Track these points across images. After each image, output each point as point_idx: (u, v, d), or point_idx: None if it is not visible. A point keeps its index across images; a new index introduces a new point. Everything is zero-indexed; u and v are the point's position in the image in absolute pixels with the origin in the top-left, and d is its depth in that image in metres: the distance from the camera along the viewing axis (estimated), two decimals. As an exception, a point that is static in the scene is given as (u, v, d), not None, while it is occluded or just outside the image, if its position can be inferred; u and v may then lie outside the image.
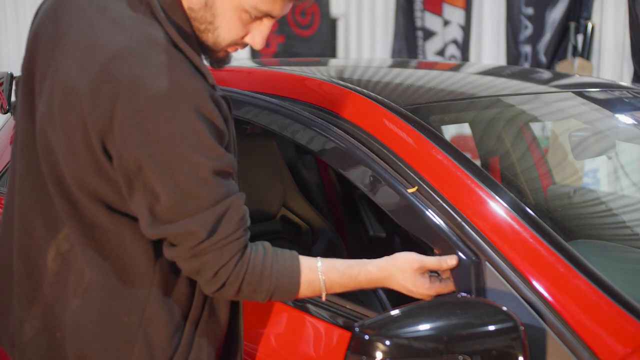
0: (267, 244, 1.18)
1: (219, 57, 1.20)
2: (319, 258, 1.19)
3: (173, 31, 1.07)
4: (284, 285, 1.15)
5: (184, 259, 1.10)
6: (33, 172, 1.16)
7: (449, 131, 3.65)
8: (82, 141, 1.06)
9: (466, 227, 1.22)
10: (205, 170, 1.05)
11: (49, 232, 1.16)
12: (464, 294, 1.18)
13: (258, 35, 1.17)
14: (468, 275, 1.19)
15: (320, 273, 1.18)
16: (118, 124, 1.01)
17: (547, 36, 4.90)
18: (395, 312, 1.05)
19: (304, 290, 1.17)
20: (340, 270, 1.19)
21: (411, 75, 2.03)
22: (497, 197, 1.24)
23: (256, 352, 1.44)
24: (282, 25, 6.26)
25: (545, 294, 1.12)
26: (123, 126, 1.01)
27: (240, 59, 2.34)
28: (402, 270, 1.20)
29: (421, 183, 1.29)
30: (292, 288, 1.17)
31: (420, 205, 1.28)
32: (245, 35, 1.17)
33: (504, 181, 1.92)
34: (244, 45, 1.19)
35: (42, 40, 1.14)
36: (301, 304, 1.39)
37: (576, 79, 2.31)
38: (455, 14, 5.63)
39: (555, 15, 4.84)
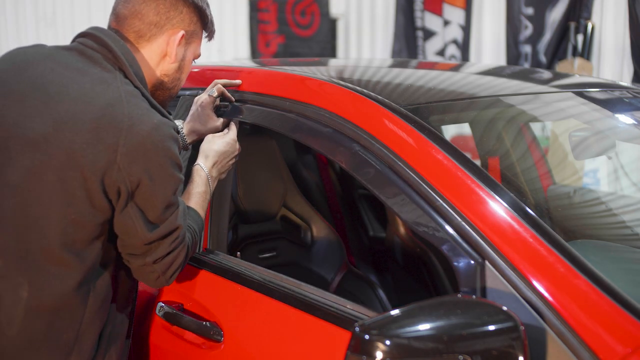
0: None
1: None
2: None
3: (143, 89, 1.38)
4: (199, 227, 1.51)
5: (161, 259, 1.36)
6: None
7: (449, 131, 3.66)
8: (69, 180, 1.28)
9: (466, 227, 1.22)
10: (178, 185, 1.37)
11: None
12: (464, 294, 1.18)
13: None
14: (468, 275, 1.19)
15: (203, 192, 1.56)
16: (123, 154, 1.26)
17: (547, 36, 4.90)
18: (395, 312, 1.05)
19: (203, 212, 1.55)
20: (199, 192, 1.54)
21: (411, 75, 2.03)
22: (497, 197, 1.24)
23: (255, 352, 1.44)
24: (282, 25, 6.26)
25: (546, 294, 1.12)
26: (129, 155, 1.27)
27: (240, 58, 2.34)
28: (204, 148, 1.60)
29: (421, 183, 1.30)
30: (202, 222, 1.53)
31: (420, 205, 1.28)
32: None
33: (504, 181, 1.92)
34: None
35: None
36: (302, 304, 1.39)
37: (576, 79, 2.31)
38: (455, 14, 5.63)
39: (555, 15, 4.84)
